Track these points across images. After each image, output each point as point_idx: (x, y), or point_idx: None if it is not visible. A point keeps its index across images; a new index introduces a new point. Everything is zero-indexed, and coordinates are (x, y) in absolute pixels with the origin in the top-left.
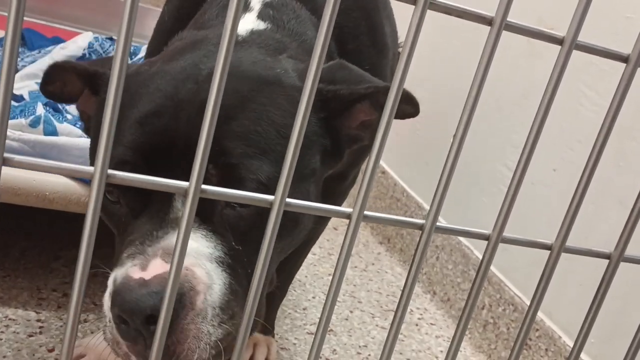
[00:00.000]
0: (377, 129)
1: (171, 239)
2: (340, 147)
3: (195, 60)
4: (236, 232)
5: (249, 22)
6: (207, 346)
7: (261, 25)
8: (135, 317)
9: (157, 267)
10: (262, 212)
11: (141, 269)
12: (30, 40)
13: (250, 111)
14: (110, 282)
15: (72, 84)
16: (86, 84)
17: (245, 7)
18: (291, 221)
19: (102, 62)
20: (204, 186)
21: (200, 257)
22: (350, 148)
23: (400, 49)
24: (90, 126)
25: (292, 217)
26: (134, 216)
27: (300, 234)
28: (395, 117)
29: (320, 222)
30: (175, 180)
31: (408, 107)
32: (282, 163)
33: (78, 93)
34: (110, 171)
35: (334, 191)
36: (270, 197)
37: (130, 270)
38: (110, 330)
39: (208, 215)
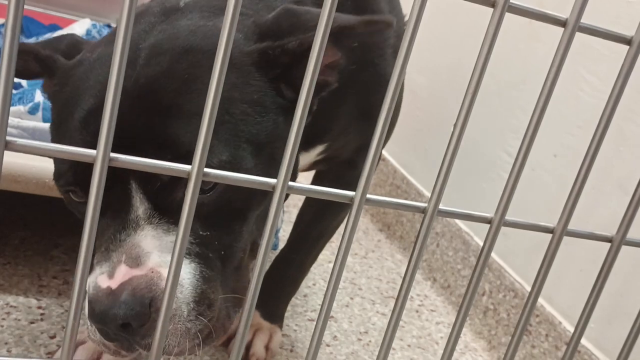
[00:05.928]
0: (342, 68)
1: (133, 241)
2: None
3: (135, 38)
4: (200, 219)
5: None
6: (186, 340)
7: None
8: (108, 326)
9: (122, 273)
10: (224, 195)
11: (108, 276)
12: (27, 28)
13: (192, 92)
14: (86, 288)
15: (30, 64)
16: (42, 67)
17: None
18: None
19: (58, 42)
20: (206, 169)
21: (164, 254)
22: (319, 95)
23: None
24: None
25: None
26: (101, 214)
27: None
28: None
29: (333, 217)
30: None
31: (376, 27)
32: (232, 142)
33: (37, 72)
34: (112, 154)
35: (342, 180)
36: (272, 181)
37: (99, 279)
38: (93, 333)
39: (168, 207)
